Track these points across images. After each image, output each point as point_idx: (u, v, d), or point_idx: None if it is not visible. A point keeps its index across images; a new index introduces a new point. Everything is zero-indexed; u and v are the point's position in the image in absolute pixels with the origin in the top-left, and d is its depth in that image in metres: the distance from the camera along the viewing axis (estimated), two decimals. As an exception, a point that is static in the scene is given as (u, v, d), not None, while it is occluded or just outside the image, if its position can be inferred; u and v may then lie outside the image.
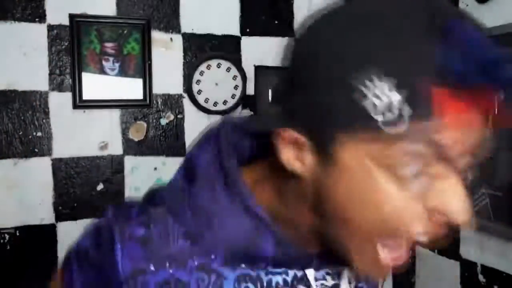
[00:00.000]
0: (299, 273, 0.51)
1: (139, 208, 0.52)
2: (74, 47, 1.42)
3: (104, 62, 1.46)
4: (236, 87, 1.62)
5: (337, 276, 0.53)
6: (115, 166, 1.51)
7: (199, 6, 1.58)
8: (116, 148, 1.50)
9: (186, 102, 1.58)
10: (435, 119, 0.35)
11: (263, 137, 0.47)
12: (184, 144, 1.58)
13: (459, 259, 1.69)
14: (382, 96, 0.36)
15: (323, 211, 0.43)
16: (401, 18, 0.37)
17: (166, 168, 1.55)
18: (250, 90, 1.64)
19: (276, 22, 1.68)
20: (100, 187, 1.49)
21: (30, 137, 1.41)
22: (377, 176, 0.39)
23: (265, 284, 0.49)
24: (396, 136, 0.36)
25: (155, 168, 1.54)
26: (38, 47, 1.40)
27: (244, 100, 1.63)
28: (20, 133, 1.40)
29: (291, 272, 0.50)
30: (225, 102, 1.61)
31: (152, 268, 0.48)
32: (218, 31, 1.61)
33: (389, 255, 0.43)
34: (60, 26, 1.42)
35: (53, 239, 1.43)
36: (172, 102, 1.56)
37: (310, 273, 0.51)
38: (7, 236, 1.39)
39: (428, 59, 0.35)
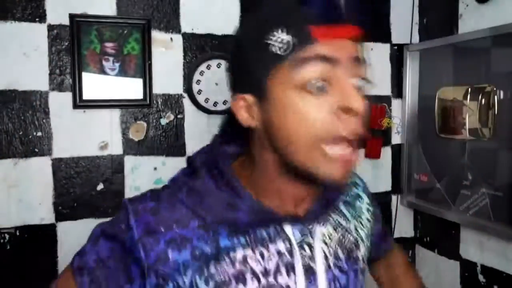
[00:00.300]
0: (278, 228, 0.64)
1: (150, 192, 0.66)
2: (74, 47, 1.42)
3: (104, 62, 1.46)
4: (236, 87, 1.61)
5: (310, 234, 0.65)
6: (115, 166, 1.51)
7: (199, 6, 1.58)
8: (116, 148, 1.50)
9: (186, 102, 1.58)
10: (313, 41, 0.56)
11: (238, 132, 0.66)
12: (184, 144, 1.58)
13: (459, 259, 1.69)
14: (281, 40, 0.56)
15: (275, 144, 0.59)
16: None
17: (166, 168, 1.55)
18: (250, 90, 1.64)
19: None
20: (100, 187, 1.49)
21: (30, 137, 1.41)
22: (298, 98, 0.56)
23: (252, 235, 0.62)
24: (297, 62, 0.56)
25: (155, 168, 1.54)
26: (38, 47, 1.40)
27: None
28: (20, 133, 1.40)
29: (272, 228, 0.63)
30: (225, 102, 1.61)
31: (162, 229, 0.60)
32: (219, 31, 1.60)
33: (338, 153, 0.57)
34: (60, 26, 1.42)
35: (53, 239, 1.43)
36: (172, 102, 1.56)
37: (288, 229, 0.64)
38: (7, 236, 1.39)
39: (299, 13, 0.57)
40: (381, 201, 1.89)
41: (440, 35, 1.72)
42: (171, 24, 1.55)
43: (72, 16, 1.42)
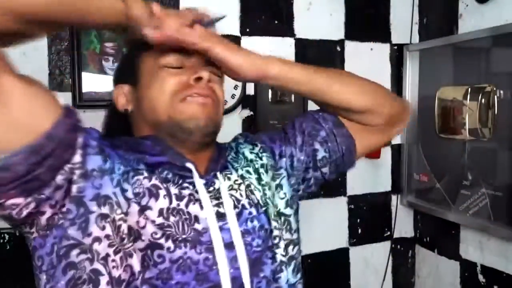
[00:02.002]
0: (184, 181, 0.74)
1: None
2: (74, 47, 1.42)
3: (104, 62, 1.46)
4: (235, 87, 1.61)
5: (213, 187, 0.75)
6: (115, 166, 1.50)
7: (198, 6, 1.57)
8: (116, 148, 1.50)
9: (186, 102, 1.58)
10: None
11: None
12: (184, 144, 1.58)
13: (459, 259, 1.69)
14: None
15: (147, 117, 0.76)
16: None
17: (166, 168, 1.55)
18: (250, 90, 1.64)
19: (276, 22, 1.68)
20: (100, 187, 1.48)
21: (30, 137, 1.40)
22: (160, 72, 0.75)
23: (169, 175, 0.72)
24: (161, 51, 0.75)
25: (155, 168, 1.54)
26: (38, 47, 1.40)
27: (244, 100, 1.63)
28: (20, 133, 1.39)
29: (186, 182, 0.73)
30: (224, 102, 1.60)
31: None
32: (218, 31, 1.60)
33: (193, 98, 0.74)
34: (60, 26, 1.42)
35: (53, 239, 1.42)
36: (172, 102, 1.56)
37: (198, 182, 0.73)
38: (6, 236, 1.39)
39: None
40: (381, 201, 1.89)
41: (440, 35, 1.72)
42: (171, 24, 1.54)
43: (72, 16, 1.42)
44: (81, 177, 0.65)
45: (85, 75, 1.44)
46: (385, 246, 1.90)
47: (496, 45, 1.48)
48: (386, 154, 1.88)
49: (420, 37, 1.87)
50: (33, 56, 1.39)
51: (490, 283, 1.55)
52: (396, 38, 1.87)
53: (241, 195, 0.76)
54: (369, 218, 1.86)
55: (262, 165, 0.84)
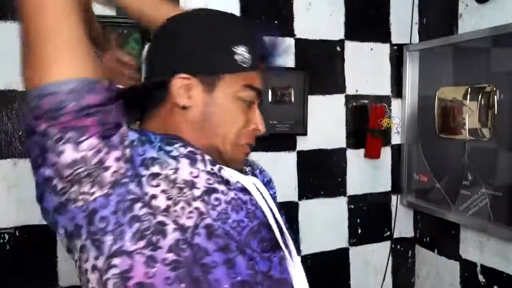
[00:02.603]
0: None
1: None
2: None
3: (104, 62, 1.46)
4: (236, 87, 1.62)
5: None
6: (115, 166, 1.50)
7: (198, 6, 1.58)
8: (116, 148, 1.50)
9: (186, 102, 1.58)
10: (255, 71, 0.76)
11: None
12: (184, 144, 1.58)
13: (459, 259, 1.69)
14: (243, 54, 0.74)
15: (207, 130, 0.75)
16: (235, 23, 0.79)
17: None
18: (250, 90, 1.64)
19: (276, 22, 1.68)
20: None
21: (29, 137, 1.41)
22: (236, 106, 0.75)
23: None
24: (246, 77, 0.75)
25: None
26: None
27: (244, 100, 1.63)
28: (20, 133, 1.40)
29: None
30: (225, 102, 1.60)
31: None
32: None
33: (243, 147, 0.78)
34: (60, 26, 1.42)
35: (53, 239, 1.42)
36: (172, 102, 1.56)
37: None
38: (6, 236, 1.39)
39: (254, 46, 0.76)
40: (381, 201, 1.89)
41: (439, 35, 1.72)
42: (171, 24, 1.55)
43: (71, 16, 1.42)
44: (127, 145, 0.67)
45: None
46: (385, 246, 1.90)
47: (496, 45, 1.48)
48: (386, 154, 1.88)
49: (420, 37, 1.87)
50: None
51: (490, 283, 1.56)
52: (396, 38, 1.87)
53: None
54: (369, 218, 1.86)
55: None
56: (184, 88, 0.73)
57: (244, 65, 0.73)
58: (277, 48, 0.81)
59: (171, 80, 0.72)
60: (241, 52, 0.73)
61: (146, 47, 0.84)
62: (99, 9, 1.45)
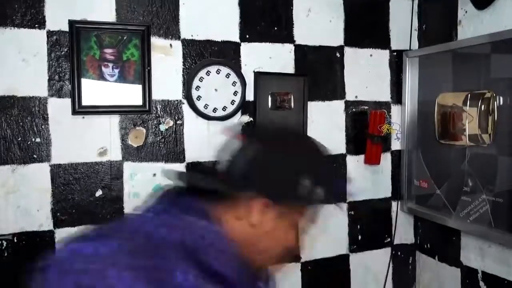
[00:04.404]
0: None
1: None
2: (73, 53, 1.42)
3: (103, 68, 1.46)
4: (235, 93, 1.61)
5: None
6: (114, 172, 1.50)
7: (198, 13, 1.58)
8: (115, 154, 1.50)
9: (186, 108, 1.58)
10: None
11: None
12: (183, 150, 1.57)
13: (460, 266, 1.68)
14: (305, 189, 0.75)
15: (258, 244, 0.78)
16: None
17: (165, 174, 1.54)
18: (250, 96, 1.64)
19: (275, 28, 1.68)
20: (99, 193, 1.48)
21: (28, 143, 1.40)
22: (290, 231, 0.80)
23: None
24: (303, 209, 0.81)
25: (154, 174, 1.54)
26: (38, 53, 1.40)
27: (244, 106, 1.63)
28: (19, 139, 1.39)
29: None
30: (224, 108, 1.60)
31: None
32: (218, 37, 1.61)
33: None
34: (59, 32, 1.42)
35: (51, 246, 1.42)
36: (171, 108, 1.56)
37: None
38: (4, 243, 1.38)
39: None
40: (381, 208, 1.88)
41: (439, 41, 1.72)
42: (171, 30, 1.55)
43: (71, 22, 1.42)
44: None
45: (84, 81, 1.44)
46: (386, 252, 1.89)
47: (496, 51, 1.48)
48: (386, 160, 1.88)
49: (420, 43, 1.87)
50: (32, 62, 1.40)
51: (491, 290, 1.55)
52: (395, 44, 1.87)
53: None
54: (369, 225, 1.85)
55: None
56: (259, 209, 0.76)
57: (306, 200, 0.78)
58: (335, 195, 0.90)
59: (253, 198, 0.76)
60: (310, 189, 0.76)
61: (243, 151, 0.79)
62: (98, 15, 1.46)
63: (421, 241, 1.89)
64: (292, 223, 0.80)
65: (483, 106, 1.50)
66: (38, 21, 1.40)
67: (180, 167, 1.57)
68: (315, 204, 0.81)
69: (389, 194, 1.90)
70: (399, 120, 1.88)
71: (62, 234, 1.43)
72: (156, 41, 1.53)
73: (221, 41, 1.61)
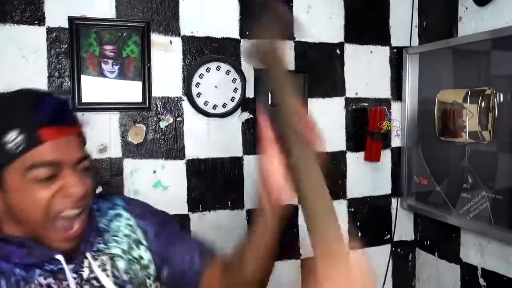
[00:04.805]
0: (56, 267, 0.77)
1: None
2: (73, 49, 1.41)
3: (103, 65, 1.46)
4: (235, 90, 1.61)
5: (89, 269, 0.80)
6: (114, 169, 1.50)
7: (198, 9, 1.58)
8: (115, 151, 1.50)
9: (186, 105, 1.58)
10: (44, 142, 0.72)
11: None
12: (183, 147, 1.57)
13: (460, 263, 1.68)
14: (13, 140, 0.71)
15: (19, 222, 0.76)
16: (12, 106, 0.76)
17: (165, 171, 1.54)
18: (250, 93, 1.64)
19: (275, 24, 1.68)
20: (99, 190, 1.48)
21: (28, 140, 1.40)
22: (30, 188, 0.73)
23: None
24: (27, 166, 0.72)
25: (154, 171, 1.54)
26: (37, 49, 1.40)
27: (244, 103, 1.63)
28: (19, 136, 1.39)
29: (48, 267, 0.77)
30: (224, 105, 1.60)
31: None
32: (218, 34, 1.60)
33: (61, 226, 0.76)
34: (59, 29, 1.42)
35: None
36: (171, 105, 1.56)
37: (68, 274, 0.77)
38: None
39: (31, 118, 0.73)
40: (381, 204, 1.88)
41: (439, 38, 1.72)
42: (171, 27, 1.55)
43: (71, 19, 1.42)
44: None
45: (84, 78, 1.44)
46: (385, 249, 1.90)
47: (496, 48, 1.47)
48: (386, 157, 1.88)
49: (420, 40, 1.87)
50: (32, 59, 1.39)
51: (491, 287, 1.55)
52: (395, 41, 1.87)
53: (118, 272, 0.84)
54: (369, 221, 1.86)
55: (129, 242, 0.90)
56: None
57: (18, 150, 0.71)
58: (67, 105, 0.83)
59: None
60: (11, 139, 0.71)
61: None
62: (98, 12, 1.45)
63: (421, 238, 1.90)
64: (29, 181, 0.74)
65: (483, 103, 1.49)
66: (37, 18, 1.40)
67: (180, 164, 1.57)
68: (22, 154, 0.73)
69: (389, 191, 1.90)
70: (399, 117, 1.88)
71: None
72: (156, 38, 1.52)
73: (221, 37, 1.61)
